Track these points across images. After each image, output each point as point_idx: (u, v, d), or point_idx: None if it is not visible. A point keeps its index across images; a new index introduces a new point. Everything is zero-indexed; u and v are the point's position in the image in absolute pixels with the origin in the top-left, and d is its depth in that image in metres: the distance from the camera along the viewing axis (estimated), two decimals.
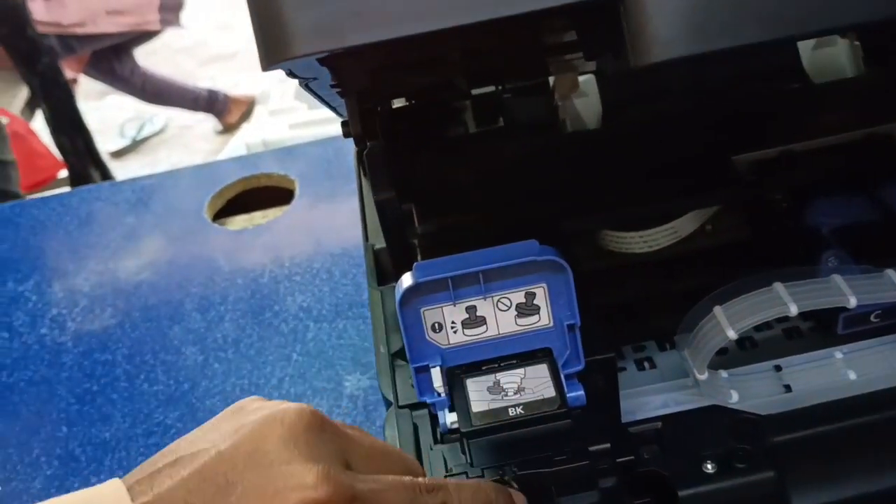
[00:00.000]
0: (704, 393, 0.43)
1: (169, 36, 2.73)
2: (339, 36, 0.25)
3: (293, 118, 1.77)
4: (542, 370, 0.39)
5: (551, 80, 0.55)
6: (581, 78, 0.54)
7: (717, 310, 0.42)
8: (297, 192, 0.88)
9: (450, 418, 0.39)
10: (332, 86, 0.39)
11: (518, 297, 0.39)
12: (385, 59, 0.35)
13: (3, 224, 0.91)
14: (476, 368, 0.40)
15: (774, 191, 0.48)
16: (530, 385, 0.39)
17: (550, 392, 0.39)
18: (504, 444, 0.38)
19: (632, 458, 0.38)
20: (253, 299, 0.75)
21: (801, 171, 0.48)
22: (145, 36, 2.57)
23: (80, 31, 2.33)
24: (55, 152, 1.91)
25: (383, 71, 0.40)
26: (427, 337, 0.40)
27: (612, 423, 0.40)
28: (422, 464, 0.40)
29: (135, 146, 2.78)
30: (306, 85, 0.37)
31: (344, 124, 0.45)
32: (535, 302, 0.39)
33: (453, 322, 0.39)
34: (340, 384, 0.65)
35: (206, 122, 2.88)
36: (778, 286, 0.41)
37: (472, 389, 0.39)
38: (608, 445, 0.38)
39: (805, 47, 0.56)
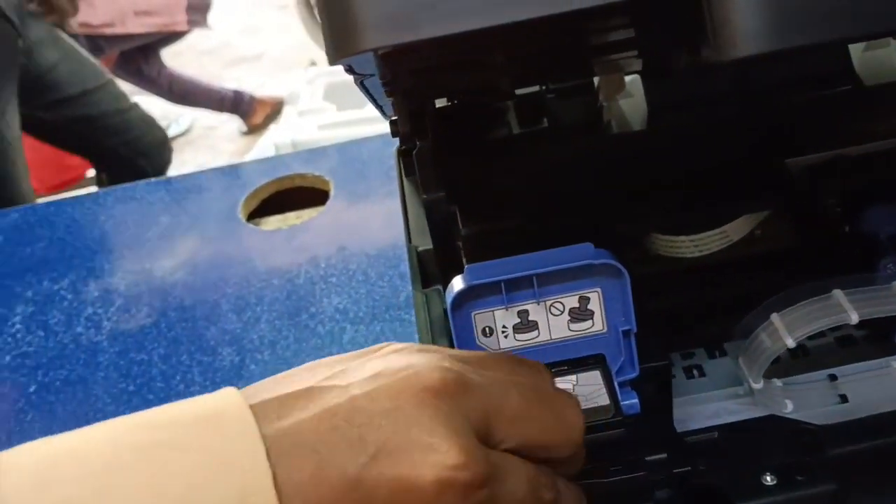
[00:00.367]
0: (758, 402, 0.42)
1: (194, 37, 2.76)
2: (413, 28, 0.24)
3: (322, 119, 1.76)
4: (595, 377, 0.38)
5: (595, 80, 0.54)
6: (626, 78, 0.54)
7: (775, 317, 0.41)
8: (331, 193, 0.87)
9: None
10: (383, 84, 0.38)
11: (572, 301, 0.38)
12: (440, 57, 0.34)
13: (39, 223, 0.91)
14: None
15: (829, 195, 0.47)
16: (583, 392, 0.38)
17: (604, 400, 0.37)
18: None
19: (689, 468, 0.37)
20: (289, 300, 0.74)
21: (857, 176, 0.47)
22: (173, 37, 2.59)
23: (108, 31, 2.35)
24: None
25: (434, 69, 0.39)
26: (478, 341, 0.39)
27: (666, 433, 0.39)
28: None
29: None
30: (361, 82, 0.36)
31: (392, 123, 0.45)
32: (590, 307, 0.38)
33: (504, 326, 0.39)
34: None
35: (230, 123, 2.90)
36: (838, 293, 0.40)
37: None
38: (665, 455, 0.37)
39: (856, 49, 0.55)
